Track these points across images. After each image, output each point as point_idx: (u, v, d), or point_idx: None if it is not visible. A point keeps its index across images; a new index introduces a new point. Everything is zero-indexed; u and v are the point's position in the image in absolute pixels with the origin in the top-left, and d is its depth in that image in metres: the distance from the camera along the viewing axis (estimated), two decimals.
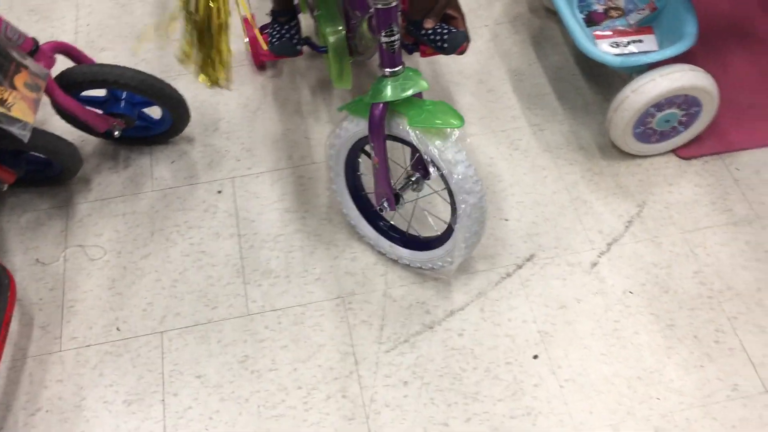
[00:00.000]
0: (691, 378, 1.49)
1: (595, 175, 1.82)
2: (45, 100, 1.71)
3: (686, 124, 1.76)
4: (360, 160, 1.63)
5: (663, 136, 1.78)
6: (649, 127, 1.74)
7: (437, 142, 1.39)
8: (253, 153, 1.88)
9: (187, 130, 1.91)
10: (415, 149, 1.49)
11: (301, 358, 1.55)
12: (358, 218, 1.68)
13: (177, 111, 1.77)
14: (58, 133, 1.70)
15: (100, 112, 1.72)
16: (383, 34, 1.33)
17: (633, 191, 1.78)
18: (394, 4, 1.30)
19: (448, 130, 1.39)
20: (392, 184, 1.54)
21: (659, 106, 1.68)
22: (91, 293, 1.65)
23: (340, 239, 1.72)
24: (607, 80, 1.99)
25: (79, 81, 1.63)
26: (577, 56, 2.05)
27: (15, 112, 1.40)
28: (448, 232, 1.56)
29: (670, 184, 1.79)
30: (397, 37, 1.34)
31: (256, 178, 1.84)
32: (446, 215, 1.57)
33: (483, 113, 1.94)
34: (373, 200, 1.60)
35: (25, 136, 1.41)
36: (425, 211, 1.71)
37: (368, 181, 1.62)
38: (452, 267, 1.58)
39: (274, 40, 1.76)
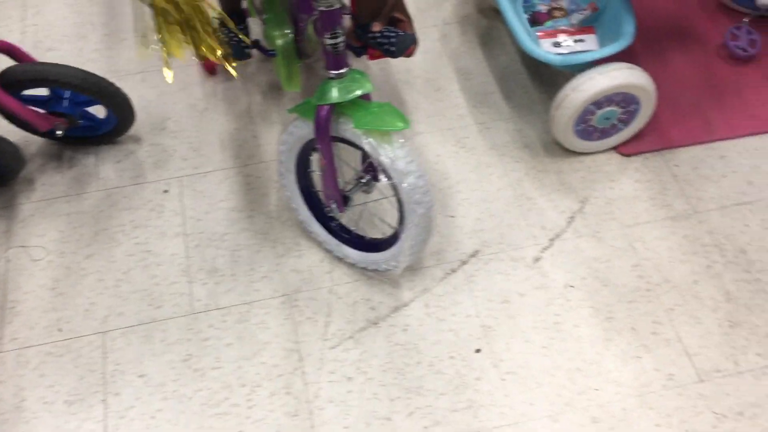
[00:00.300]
0: (628, 369, 1.53)
1: (539, 172, 1.85)
2: None
3: (626, 122, 1.80)
4: (312, 158, 1.64)
5: (604, 133, 1.82)
6: (590, 125, 1.78)
7: (388, 151, 1.39)
8: (200, 152, 1.88)
9: (134, 130, 1.90)
10: (365, 151, 1.50)
11: (245, 355, 1.55)
12: (308, 215, 1.68)
13: (121, 110, 1.76)
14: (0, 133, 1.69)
15: (42, 111, 1.71)
16: (327, 36, 1.33)
17: (576, 188, 1.82)
18: (337, 6, 1.31)
19: (395, 132, 1.39)
20: (341, 185, 1.55)
21: (599, 103, 1.72)
22: (33, 294, 1.63)
23: (287, 237, 1.73)
24: (551, 79, 2.02)
25: (19, 79, 1.62)
26: (523, 56, 2.08)
27: None
28: (395, 237, 1.57)
29: (612, 180, 1.83)
30: (341, 39, 1.34)
31: (203, 177, 1.84)
32: (394, 219, 1.58)
33: (430, 112, 1.97)
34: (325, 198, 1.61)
35: None
36: (375, 216, 1.72)
37: (320, 179, 1.63)
38: (397, 271, 1.60)
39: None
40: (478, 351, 1.56)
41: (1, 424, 1.45)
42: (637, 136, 1.87)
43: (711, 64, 2.03)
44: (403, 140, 1.40)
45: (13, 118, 1.72)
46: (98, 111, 1.83)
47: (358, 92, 1.38)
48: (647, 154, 1.87)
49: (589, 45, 1.81)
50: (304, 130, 1.50)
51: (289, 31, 1.67)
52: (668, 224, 1.74)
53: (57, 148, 1.88)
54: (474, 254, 1.70)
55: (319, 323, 1.60)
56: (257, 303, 1.63)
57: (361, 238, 1.68)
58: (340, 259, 1.68)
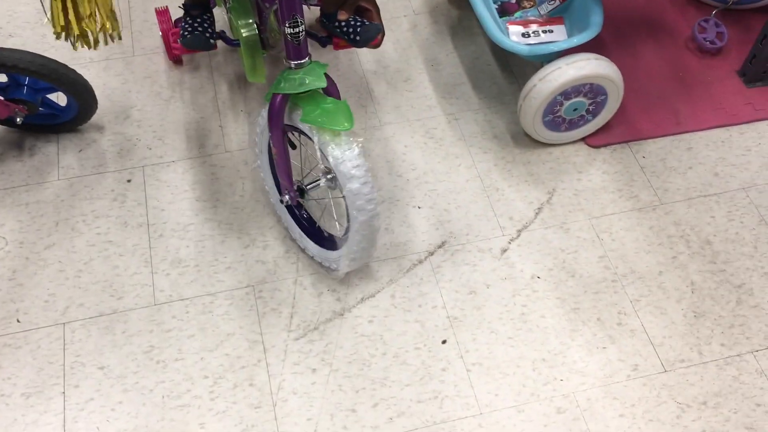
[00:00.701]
0: (593, 359, 1.53)
1: (507, 163, 1.84)
2: None
3: (594, 113, 1.80)
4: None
5: (572, 124, 1.81)
6: (558, 116, 1.77)
7: (336, 152, 1.37)
8: (164, 142, 1.85)
9: (97, 118, 1.86)
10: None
11: (208, 347, 1.53)
12: (277, 200, 1.66)
13: (83, 97, 1.72)
14: None
15: (0, 98, 1.67)
16: (287, 25, 1.32)
17: (544, 179, 1.81)
18: None
19: (343, 131, 1.37)
20: (297, 176, 1.52)
21: (566, 94, 1.72)
22: None
23: (252, 228, 1.71)
24: (521, 70, 2.02)
25: None
26: (492, 46, 2.07)
27: None
28: (345, 239, 1.55)
29: (580, 171, 1.83)
30: (301, 28, 1.32)
31: (167, 167, 1.81)
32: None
33: (399, 102, 1.95)
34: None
35: None
36: (334, 215, 1.68)
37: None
38: (338, 275, 1.59)
39: (186, 33, 1.72)
40: (444, 342, 1.55)
41: None
42: (605, 128, 1.87)
43: (679, 56, 2.04)
44: (353, 142, 1.37)
45: None
46: (59, 98, 1.79)
47: (311, 86, 1.36)
48: (615, 146, 1.87)
49: (558, 35, 1.81)
50: None
51: (252, 21, 1.64)
52: (635, 215, 1.75)
53: (17, 135, 1.84)
54: (441, 245, 1.69)
55: (284, 314, 1.58)
56: (221, 294, 1.60)
57: (321, 232, 1.65)
58: (303, 250, 1.67)
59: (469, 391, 1.49)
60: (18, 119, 1.68)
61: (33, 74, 1.61)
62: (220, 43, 1.77)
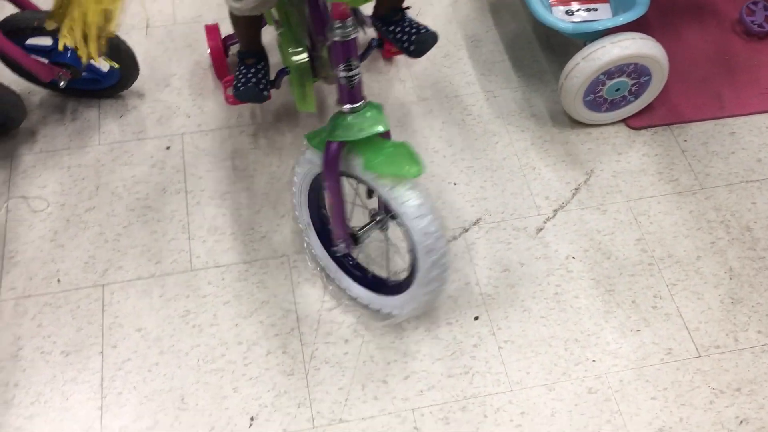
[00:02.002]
0: (627, 341, 1.52)
1: (545, 142, 1.83)
2: None
3: (636, 94, 1.77)
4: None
5: (613, 105, 1.79)
6: (600, 96, 1.75)
7: (398, 193, 1.27)
8: (203, 110, 1.86)
9: (138, 85, 1.88)
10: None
11: (242, 314, 1.55)
12: (322, 251, 1.56)
13: (125, 64, 1.74)
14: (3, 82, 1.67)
15: (45, 61, 1.69)
16: (341, 68, 1.22)
17: (582, 159, 1.79)
18: (353, 37, 1.19)
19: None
20: (353, 223, 1.46)
21: (609, 73, 1.69)
22: (33, 245, 1.63)
23: (288, 199, 1.71)
24: (563, 49, 1.99)
25: (22, 27, 1.60)
26: (534, 24, 2.05)
27: None
28: (407, 283, 1.44)
29: (619, 153, 1.81)
30: (356, 71, 1.23)
31: (205, 135, 1.82)
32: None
33: (437, 78, 1.94)
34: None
35: None
36: (392, 255, 1.60)
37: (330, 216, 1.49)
38: (397, 320, 1.52)
39: (239, 84, 1.63)
40: (476, 318, 1.55)
41: None
42: (647, 109, 1.84)
43: (725, 39, 2.00)
44: (412, 181, 1.28)
45: (16, 68, 1.71)
46: (102, 64, 1.81)
47: (372, 131, 1.26)
48: (656, 128, 1.84)
49: (602, 14, 1.78)
50: (317, 160, 1.37)
51: (302, 50, 1.54)
52: (674, 199, 1.73)
53: (60, 100, 1.86)
54: (476, 222, 1.69)
55: (318, 285, 1.59)
56: (256, 262, 1.62)
57: (375, 278, 1.56)
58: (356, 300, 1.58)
59: (500, 367, 1.49)
60: (62, 83, 1.70)
61: None
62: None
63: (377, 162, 1.27)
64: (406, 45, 1.62)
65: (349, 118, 1.27)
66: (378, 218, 1.46)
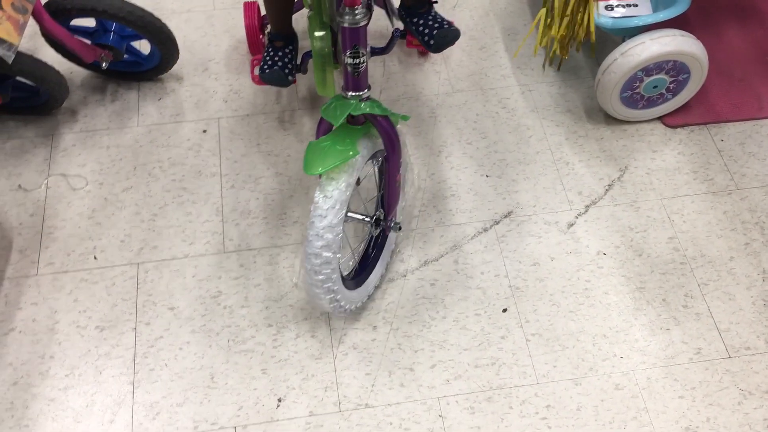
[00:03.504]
0: (656, 339, 1.51)
1: (579, 137, 1.82)
2: (36, 29, 1.71)
3: (674, 92, 1.76)
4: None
5: (650, 102, 1.78)
6: (637, 92, 1.74)
7: (324, 190, 1.29)
8: (240, 95, 1.89)
9: (176, 69, 1.91)
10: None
11: (273, 297, 1.57)
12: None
13: (166, 47, 1.77)
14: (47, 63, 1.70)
15: (88, 42, 1.72)
16: (348, 54, 1.24)
17: (616, 156, 1.79)
18: (362, 24, 1.21)
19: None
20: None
21: (647, 70, 1.68)
22: (71, 221, 1.67)
23: None
24: (600, 44, 1.98)
25: (67, 8, 1.63)
26: None
27: (0, 33, 1.40)
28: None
29: (654, 150, 1.79)
30: (362, 59, 1.24)
31: (241, 120, 1.84)
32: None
33: (473, 70, 1.94)
34: None
35: (9, 57, 1.41)
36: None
37: None
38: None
39: (266, 66, 1.65)
40: (504, 310, 1.55)
41: (33, 344, 1.49)
42: (684, 108, 1.82)
43: (766, 38, 1.97)
44: (336, 193, 1.28)
45: (60, 48, 1.74)
46: (143, 47, 1.84)
47: (334, 120, 1.27)
48: (693, 127, 1.83)
49: (642, 10, 1.76)
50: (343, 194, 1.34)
51: (327, 34, 1.54)
52: (709, 198, 1.71)
53: (101, 81, 1.90)
54: (507, 215, 1.69)
55: (348, 271, 1.60)
56: (288, 247, 1.64)
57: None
58: None
59: (527, 360, 1.49)
60: (103, 64, 1.74)
61: (121, 20, 1.66)
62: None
63: (314, 146, 1.29)
64: (426, 39, 1.62)
65: (340, 101, 1.30)
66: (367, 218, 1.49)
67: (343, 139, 1.30)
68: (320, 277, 1.33)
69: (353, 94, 1.29)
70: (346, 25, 1.20)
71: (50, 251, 1.62)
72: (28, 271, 1.59)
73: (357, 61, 1.24)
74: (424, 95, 1.89)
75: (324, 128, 1.35)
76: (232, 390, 1.45)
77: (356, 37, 1.22)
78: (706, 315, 1.55)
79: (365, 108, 1.29)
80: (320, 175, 1.29)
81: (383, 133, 1.35)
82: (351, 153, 1.29)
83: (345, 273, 1.52)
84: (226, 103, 1.87)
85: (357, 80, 1.27)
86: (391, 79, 1.93)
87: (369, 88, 1.30)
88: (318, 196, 1.29)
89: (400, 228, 1.55)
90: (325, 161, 1.27)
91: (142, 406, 1.42)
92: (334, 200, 1.28)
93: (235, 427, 1.40)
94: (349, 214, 1.46)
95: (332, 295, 1.38)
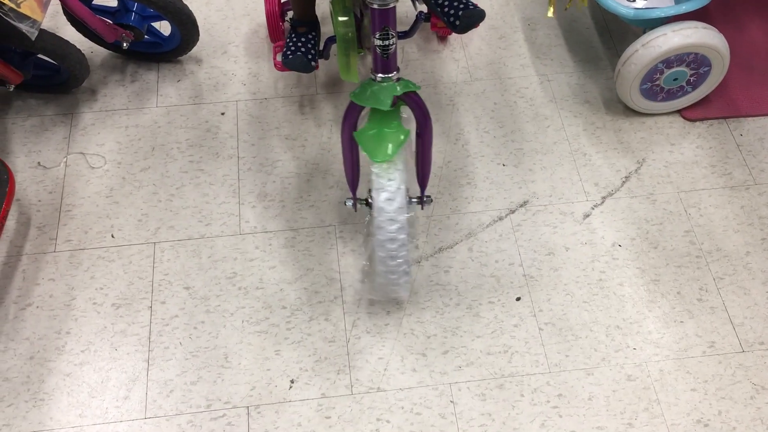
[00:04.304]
0: (669, 332, 1.51)
1: (597, 129, 1.81)
2: (58, 8, 1.72)
3: (694, 84, 1.75)
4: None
5: (669, 94, 1.77)
6: (656, 84, 1.73)
7: (380, 176, 1.30)
8: (258, 79, 1.89)
9: (196, 52, 1.91)
10: None
11: (287, 279, 1.58)
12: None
13: (186, 28, 1.77)
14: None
15: (109, 22, 1.73)
16: (377, 36, 1.24)
17: (634, 148, 1.78)
18: (392, 5, 1.20)
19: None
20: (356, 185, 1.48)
21: (668, 62, 1.67)
22: (89, 200, 1.68)
23: (337, 170, 1.73)
24: (620, 35, 1.97)
25: None
26: (593, 9, 2.03)
27: (24, 9, 1.40)
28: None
29: (672, 143, 1.79)
30: (392, 41, 1.24)
31: (259, 103, 1.85)
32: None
33: (492, 59, 1.93)
34: None
35: (33, 33, 1.42)
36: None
37: None
38: (370, 295, 1.54)
39: (289, 52, 1.64)
40: (518, 299, 1.56)
41: (50, 320, 1.51)
42: (703, 101, 1.81)
43: None
44: (396, 171, 1.30)
45: (81, 27, 1.75)
46: (164, 28, 1.85)
47: (372, 104, 1.28)
48: (712, 121, 1.82)
49: (664, 1, 1.75)
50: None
51: (350, 19, 1.55)
52: (726, 193, 1.70)
53: (121, 61, 1.91)
54: (523, 204, 1.69)
55: (362, 256, 1.61)
56: (303, 230, 1.64)
57: None
58: None
59: (539, 349, 1.49)
60: (124, 44, 1.75)
61: (142, 1, 1.67)
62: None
63: (366, 135, 1.31)
64: (452, 20, 1.60)
65: (372, 85, 1.30)
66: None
67: (389, 122, 1.32)
68: (398, 260, 1.35)
69: (383, 76, 1.29)
70: (375, 6, 1.20)
71: (68, 228, 1.63)
72: (46, 248, 1.60)
73: (387, 42, 1.24)
74: (443, 83, 1.89)
75: (353, 113, 1.35)
76: (246, 370, 1.46)
77: (386, 18, 1.22)
78: (721, 309, 1.54)
79: (404, 87, 1.29)
80: (382, 162, 1.29)
81: (417, 108, 1.36)
82: (403, 134, 1.31)
83: None
84: (244, 86, 1.88)
85: (386, 62, 1.27)
86: (409, 66, 1.92)
87: (398, 69, 1.30)
88: (382, 182, 1.29)
89: (432, 201, 1.54)
90: (389, 145, 1.29)
91: (156, 383, 1.44)
92: (398, 181, 1.30)
93: (248, 407, 1.42)
94: None
95: (408, 277, 1.39)
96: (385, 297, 1.53)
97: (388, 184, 1.30)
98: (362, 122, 1.37)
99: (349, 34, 1.55)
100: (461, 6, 1.58)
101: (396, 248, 1.33)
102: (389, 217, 1.30)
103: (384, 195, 1.30)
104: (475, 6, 1.60)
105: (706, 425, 1.40)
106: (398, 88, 1.28)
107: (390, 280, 1.39)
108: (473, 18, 1.58)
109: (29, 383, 1.43)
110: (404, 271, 1.38)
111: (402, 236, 1.32)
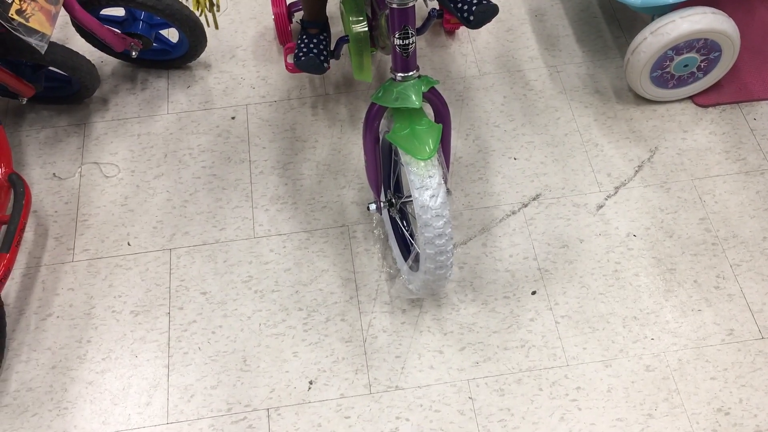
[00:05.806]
0: (687, 320, 1.50)
1: (608, 118, 1.80)
2: (67, 20, 1.74)
3: (705, 70, 1.73)
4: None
5: (680, 81, 1.75)
6: (667, 71, 1.71)
7: (415, 176, 1.29)
8: (267, 82, 1.90)
9: (204, 57, 1.92)
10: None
11: (303, 281, 1.59)
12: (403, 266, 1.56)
13: (194, 34, 1.78)
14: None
15: (118, 31, 1.74)
16: (397, 35, 1.24)
17: (646, 136, 1.77)
18: (411, 4, 1.20)
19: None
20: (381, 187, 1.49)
21: (678, 49, 1.66)
22: (104, 209, 1.70)
23: (349, 170, 1.74)
24: (629, 24, 1.95)
25: None
26: None
27: (33, 23, 1.42)
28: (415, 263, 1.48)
29: (685, 131, 1.77)
30: (411, 40, 1.24)
31: (269, 106, 1.86)
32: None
33: (500, 52, 1.93)
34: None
35: (42, 47, 1.44)
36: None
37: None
38: (415, 294, 1.53)
39: (301, 54, 1.65)
40: (533, 293, 1.55)
41: (71, 329, 1.53)
42: (715, 87, 1.80)
43: None
44: (435, 168, 1.29)
45: (90, 38, 1.77)
46: (172, 35, 1.86)
47: (401, 104, 1.27)
48: (724, 106, 1.80)
49: None
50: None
51: (363, 18, 1.56)
52: (741, 179, 1.69)
53: (130, 70, 1.93)
54: (535, 197, 1.69)
55: (376, 255, 1.61)
56: (317, 232, 1.65)
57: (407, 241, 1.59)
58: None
59: (556, 342, 1.49)
60: (133, 53, 1.76)
61: (149, 9, 1.68)
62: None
63: (401, 135, 1.30)
64: (465, 15, 1.59)
65: (396, 85, 1.29)
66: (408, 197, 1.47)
67: (418, 119, 1.31)
68: (446, 255, 1.35)
69: (403, 75, 1.28)
70: (395, 5, 1.20)
71: (85, 238, 1.65)
72: (64, 258, 1.62)
73: (407, 42, 1.24)
74: (451, 78, 1.89)
75: (377, 117, 1.35)
76: (264, 373, 1.47)
77: (405, 17, 1.22)
78: (739, 296, 1.53)
79: (428, 84, 1.30)
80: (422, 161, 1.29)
81: (438, 102, 1.36)
82: (436, 128, 1.31)
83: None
84: (254, 90, 1.88)
85: (407, 61, 1.27)
86: (418, 61, 1.92)
87: (418, 68, 1.30)
88: (423, 180, 1.29)
89: (450, 193, 1.51)
90: (429, 141, 1.28)
91: (177, 388, 1.45)
92: (438, 177, 1.30)
93: (268, 409, 1.43)
94: None
95: (451, 270, 1.39)
96: (429, 293, 1.52)
97: (429, 181, 1.29)
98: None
99: (362, 34, 1.56)
100: (474, 1, 1.58)
101: (444, 243, 1.33)
102: (436, 213, 1.30)
103: (428, 193, 1.29)
104: (488, 1, 1.59)
105: (727, 413, 1.39)
106: (423, 86, 1.29)
107: (438, 275, 1.39)
108: (487, 13, 1.57)
109: (52, 392, 1.46)
110: (451, 264, 1.38)
111: (449, 230, 1.32)
